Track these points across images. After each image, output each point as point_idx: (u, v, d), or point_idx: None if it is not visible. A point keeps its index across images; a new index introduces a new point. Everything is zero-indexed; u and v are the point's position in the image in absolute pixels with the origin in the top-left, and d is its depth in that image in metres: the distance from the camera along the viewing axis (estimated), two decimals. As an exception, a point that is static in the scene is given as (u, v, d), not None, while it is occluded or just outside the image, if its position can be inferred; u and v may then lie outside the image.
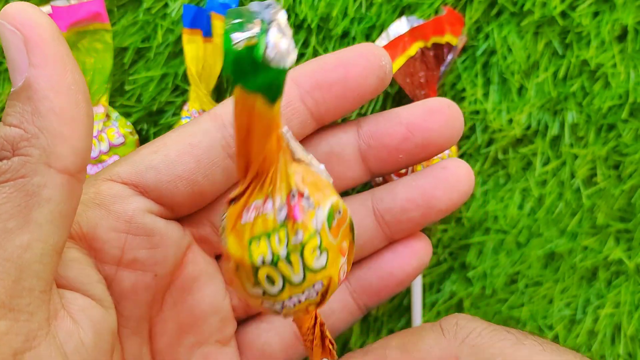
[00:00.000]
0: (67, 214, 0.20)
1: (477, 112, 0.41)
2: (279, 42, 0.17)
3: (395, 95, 0.41)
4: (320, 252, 0.21)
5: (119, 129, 0.40)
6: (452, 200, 0.30)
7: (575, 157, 0.41)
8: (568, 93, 0.40)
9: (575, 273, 0.42)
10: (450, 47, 0.38)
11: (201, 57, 0.39)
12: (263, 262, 0.21)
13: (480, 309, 0.43)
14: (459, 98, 0.41)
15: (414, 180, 0.30)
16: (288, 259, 0.21)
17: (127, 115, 0.42)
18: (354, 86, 0.27)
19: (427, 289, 0.43)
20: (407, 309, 0.44)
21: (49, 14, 0.39)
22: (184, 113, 0.40)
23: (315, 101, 0.27)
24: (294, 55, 0.17)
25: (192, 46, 0.39)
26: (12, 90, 0.20)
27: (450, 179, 0.30)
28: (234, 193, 0.21)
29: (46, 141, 0.19)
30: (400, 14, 0.40)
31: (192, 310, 0.27)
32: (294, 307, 0.22)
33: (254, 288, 0.22)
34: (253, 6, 0.18)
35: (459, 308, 0.43)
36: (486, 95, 0.41)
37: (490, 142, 0.42)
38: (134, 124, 0.42)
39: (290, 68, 0.17)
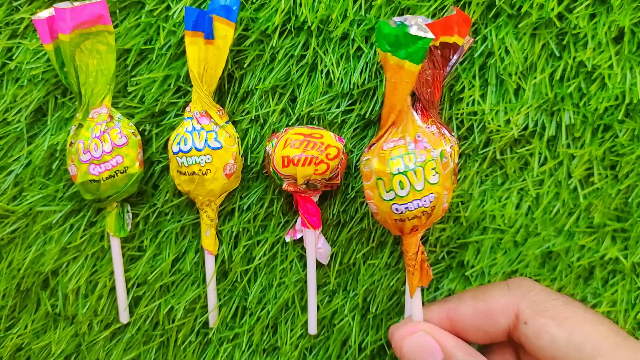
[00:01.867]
0: None
1: (475, 113, 0.41)
2: (419, 28, 0.31)
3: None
4: (435, 172, 0.34)
5: (122, 130, 0.40)
6: None
7: (572, 157, 0.42)
8: (565, 94, 0.41)
9: (572, 272, 0.43)
10: (456, 47, 0.38)
11: (203, 59, 0.39)
12: (398, 172, 0.33)
13: (478, 307, 0.44)
14: (457, 99, 0.42)
15: None
16: (415, 171, 0.33)
17: (130, 116, 0.43)
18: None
19: (425, 287, 0.44)
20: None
21: (53, 16, 0.39)
22: (186, 114, 0.40)
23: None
24: (430, 35, 0.31)
25: (194, 48, 0.39)
26: None
27: None
28: (375, 138, 0.35)
29: None
30: (400, 16, 0.41)
31: None
32: (414, 210, 0.34)
33: (388, 193, 0.34)
34: (401, 19, 0.35)
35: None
36: (484, 96, 0.41)
37: (487, 143, 0.42)
38: (137, 124, 0.43)
39: (428, 42, 0.31)
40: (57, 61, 0.40)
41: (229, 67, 0.42)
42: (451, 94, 0.42)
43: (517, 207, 0.43)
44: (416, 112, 0.39)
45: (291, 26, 0.41)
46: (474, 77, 0.41)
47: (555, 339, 0.32)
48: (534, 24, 0.40)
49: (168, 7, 0.42)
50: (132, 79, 0.43)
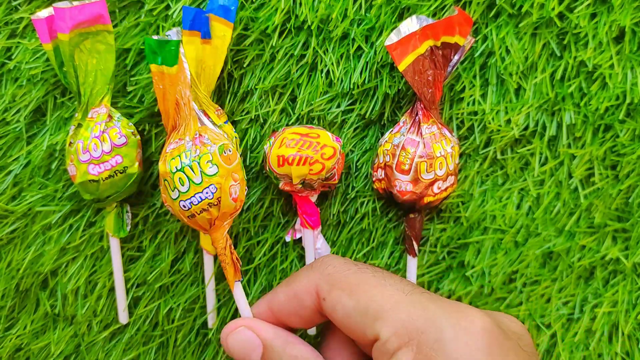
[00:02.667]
0: None
1: (476, 113, 0.41)
2: (171, 38, 0.36)
3: (395, 96, 0.42)
4: (212, 164, 0.35)
5: (121, 130, 0.40)
6: None
7: (573, 157, 0.42)
8: (566, 94, 0.41)
9: (573, 272, 0.43)
10: (457, 47, 0.38)
11: (200, 58, 0.39)
12: (176, 169, 0.35)
13: (479, 307, 0.43)
14: (457, 99, 0.42)
15: None
16: (191, 166, 0.35)
17: (129, 116, 0.43)
18: None
19: (425, 287, 0.44)
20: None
21: (52, 15, 0.39)
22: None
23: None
24: (177, 37, 0.37)
25: (191, 47, 0.39)
26: None
27: None
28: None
29: None
30: (400, 16, 0.41)
31: None
32: (198, 204, 0.35)
33: (173, 192, 0.36)
34: (167, 33, 0.40)
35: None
36: (484, 96, 0.41)
37: (488, 143, 0.42)
38: (136, 124, 0.43)
39: (175, 43, 0.35)
40: (56, 61, 0.40)
41: (229, 66, 0.42)
42: (452, 94, 0.42)
43: (518, 207, 0.43)
44: (418, 112, 0.39)
45: (291, 26, 0.41)
46: (474, 76, 0.41)
47: (346, 309, 0.32)
48: (535, 24, 0.40)
49: (167, 7, 0.42)
50: (131, 79, 0.42)
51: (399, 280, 0.33)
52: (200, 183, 0.35)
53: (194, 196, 0.35)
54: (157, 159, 0.44)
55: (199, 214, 0.36)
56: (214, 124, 0.39)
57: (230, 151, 0.36)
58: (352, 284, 0.33)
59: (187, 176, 0.35)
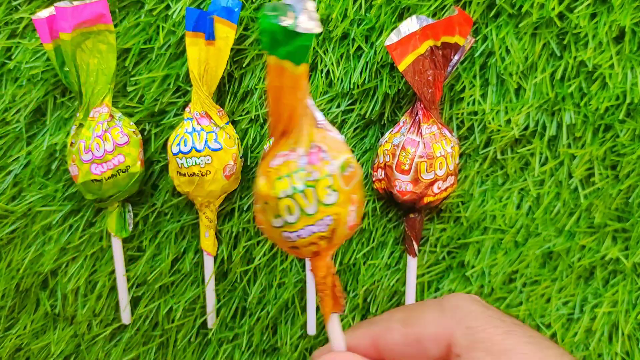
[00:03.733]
0: None
1: (476, 113, 0.41)
2: (306, 21, 0.24)
3: (394, 96, 0.42)
4: (332, 191, 0.27)
5: (123, 129, 0.40)
6: None
7: (573, 157, 0.42)
8: (566, 94, 0.41)
9: (573, 272, 0.43)
10: (457, 47, 0.38)
11: (203, 59, 0.39)
12: (284, 195, 0.27)
13: (479, 307, 0.43)
14: (457, 99, 0.42)
15: None
16: (304, 192, 0.27)
17: (129, 115, 0.43)
18: None
19: (425, 287, 0.44)
20: (407, 308, 0.44)
21: (53, 15, 0.39)
22: (186, 115, 0.40)
23: None
24: (316, 30, 0.24)
25: (195, 49, 0.39)
26: None
27: None
28: (266, 151, 0.28)
29: None
30: (400, 16, 0.41)
31: None
32: (307, 237, 0.28)
33: (275, 220, 0.28)
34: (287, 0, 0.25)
35: (457, 306, 0.44)
36: (484, 96, 0.41)
37: (488, 143, 0.42)
38: (136, 124, 0.43)
39: (312, 36, 0.24)
40: (57, 61, 0.40)
41: (229, 66, 0.42)
42: (452, 94, 0.42)
43: (518, 207, 0.43)
44: (418, 112, 0.39)
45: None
46: (474, 76, 0.41)
47: None
48: (535, 24, 0.40)
49: (167, 7, 0.42)
50: (131, 79, 0.42)
51: (560, 355, 0.27)
52: (315, 214, 0.27)
53: (303, 229, 0.28)
54: (157, 159, 0.44)
55: (305, 247, 0.29)
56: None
57: (352, 167, 0.28)
58: (500, 349, 0.27)
59: (298, 204, 0.27)
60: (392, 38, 0.38)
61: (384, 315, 0.33)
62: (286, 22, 0.24)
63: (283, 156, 0.27)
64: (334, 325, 0.31)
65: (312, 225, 0.27)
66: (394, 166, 0.39)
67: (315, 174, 0.27)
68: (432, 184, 0.39)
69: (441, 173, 0.39)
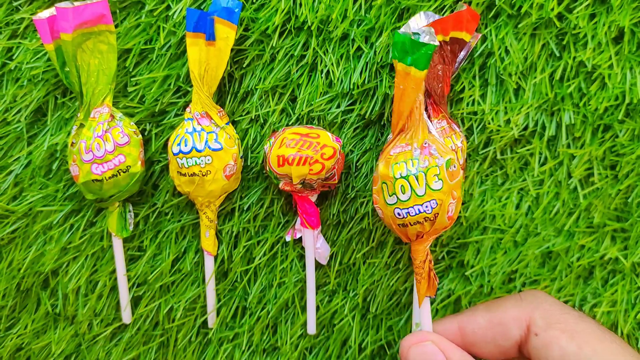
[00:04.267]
0: None
1: (475, 113, 0.42)
2: (428, 35, 0.33)
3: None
4: (438, 179, 0.34)
5: (123, 129, 0.40)
6: None
7: (572, 157, 0.42)
8: (565, 94, 0.41)
9: (572, 272, 0.43)
10: (463, 43, 0.39)
11: (204, 60, 0.39)
12: (400, 176, 0.34)
13: (478, 307, 0.44)
14: (457, 99, 0.42)
15: None
16: (416, 176, 0.34)
17: (130, 116, 0.43)
18: None
19: (433, 297, 0.44)
20: (406, 307, 0.44)
21: (54, 16, 0.39)
22: (186, 115, 0.40)
23: None
24: (435, 42, 0.33)
25: (195, 49, 0.39)
26: None
27: None
28: (386, 144, 0.36)
29: None
30: (399, 17, 0.41)
31: None
32: (415, 216, 0.34)
33: (390, 197, 0.34)
34: (418, 30, 0.34)
35: (457, 306, 0.44)
36: (484, 96, 0.41)
37: (488, 143, 0.42)
38: (137, 124, 0.43)
39: (432, 48, 0.32)
40: (58, 61, 0.40)
41: (229, 67, 0.42)
42: (451, 94, 0.42)
43: (517, 207, 0.43)
44: (427, 107, 0.39)
45: (291, 26, 0.41)
46: (474, 77, 0.41)
47: (564, 352, 0.31)
48: (534, 24, 0.40)
49: (168, 7, 0.42)
50: (132, 79, 0.43)
51: (622, 341, 0.32)
52: (423, 195, 0.34)
53: (412, 207, 0.34)
54: (158, 159, 0.44)
55: (411, 225, 0.35)
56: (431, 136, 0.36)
57: (455, 167, 0.35)
58: (574, 329, 0.32)
59: (410, 185, 0.34)
60: None
61: (468, 309, 0.38)
62: (414, 35, 0.32)
63: (401, 147, 0.34)
64: (426, 308, 0.36)
65: (420, 205, 0.34)
66: None
67: (426, 162, 0.34)
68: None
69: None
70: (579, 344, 0.31)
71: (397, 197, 0.34)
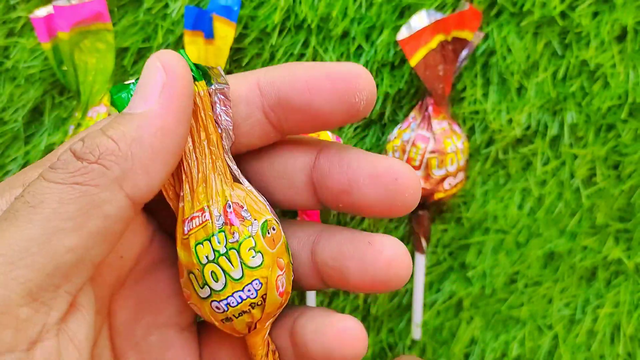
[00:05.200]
0: (116, 234, 0.21)
1: (477, 112, 0.41)
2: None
3: (395, 96, 0.42)
4: (256, 252, 0.25)
5: (120, 129, 0.40)
6: (365, 282, 0.26)
7: (575, 157, 0.42)
8: (567, 93, 0.40)
9: (575, 273, 0.43)
10: (465, 42, 0.38)
11: (203, 58, 0.39)
12: (207, 260, 0.25)
13: (480, 308, 0.43)
14: (458, 98, 0.42)
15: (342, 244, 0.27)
16: (227, 255, 0.25)
17: (128, 115, 0.42)
18: (317, 115, 0.24)
19: (426, 288, 0.44)
20: (407, 309, 0.44)
21: (51, 14, 0.39)
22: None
23: (277, 117, 0.25)
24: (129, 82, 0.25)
25: (194, 47, 0.39)
26: (127, 110, 0.22)
27: (372, 261, 0.26)
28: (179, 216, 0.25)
29: (131, 166, 0.20)
30: (401, 15, 0.40)
31: (151, 289, 0.27)
32: (237, 305, 0.25)
33: (202, 290, 0.25)
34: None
35: (458, 307, 0.44)
36: (486, 95, 0.41)
37: (490, 142, 0.42)
38: (135, 124, 0.42)
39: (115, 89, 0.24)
40: (55, 60, 0.40)
41: (228, 65, 0.42)
42: (453, 93, 0.42)
43: (520, 207, 0.42)
44: (428, 107, 0.39)
45: (291, 24, 0.41)
46: (475, 76, 0.41)
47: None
48: (537, 23, 0.40)
49: (166, 6, 0.41)
50: (129, 78, 0.42)
51: None
52: (241, 278, 0.25)
53: (231, 295, 0.25)
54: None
55: (237, 318, 0.26)
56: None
57: (274, 229, 0.26)
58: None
59: (222, 269, 0.25)
60: (403, 33, 0.38)
61: None
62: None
63: (198, 217, 0.25)
64: None
65: (240, 291, 0.25)
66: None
67: (236, 235, 0.25)
68: (443, 180, 0.39)
69: (452, 169, 0.39)
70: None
71: (209, 287, 0.25)
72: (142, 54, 0.42)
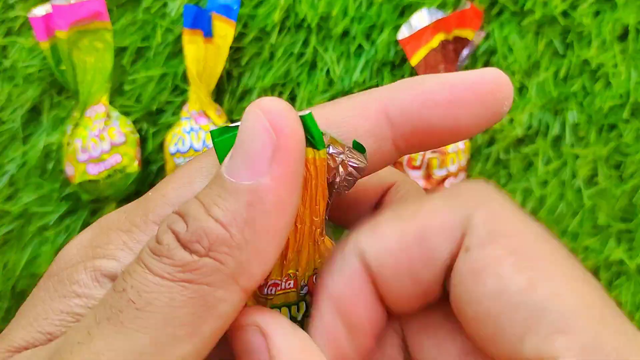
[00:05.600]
0: (224, 330, 0.18)
1: (478, 112, 0.41)
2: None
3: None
4: None
5: (120, 128, 0.40)
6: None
7: (577, 157, 0.41)
8: (569, 93, 0.40)
9: (576, 273, 0.42)
10: (466, 42, 0.38)
11: (202, 57, 0.39)
12: None
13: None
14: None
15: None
16: (301, 324, 0.22)
17: (126, 114, 0.42)
18: (460, 131, 0.20)
19: None
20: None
21: (49, 13, 0.39)
22: (183, 114, 0.40)
23: (409, 144, 0.21)
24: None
25: (193, 47, 0.39)
26: (229, 174, 0.17)
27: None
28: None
29: (247, 257, 0.17)
30: (401, 14, 0.40)
31: None
32: None
33: None
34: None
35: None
36: (487, 95, 0.41)
37: (491, 142, 0.42)
38: (133, 123, 0.42)
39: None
40: (54, 59, 0.39)
41: (227, 65, 0.42)
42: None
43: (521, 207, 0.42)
44: None
45: (291, 23, 0.41)
46: (476, 75, 0.41)
47: (503, 286, 0.17)
48: (538, 22, 0.40)
49: (165, 5, 0.41)
50: (128, 78, 0.42)
51: (596, 283, 0.18)
52: None
53: None
54: (155, 159, 0.43)
55: None
56: None
57: None
58: (527, 250, 0.17)
59: None
60: (403, 32, 0.38)
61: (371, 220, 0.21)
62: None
63: (275, 285, 0.22)
64: None
65: None
66: (404, 162, 0.39)
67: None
68: (444, 180, 0.39)
69: (453, 169, 0.39)
70: (530, 278, 0.17)
71: None
72: (141, 54, 0.42)
